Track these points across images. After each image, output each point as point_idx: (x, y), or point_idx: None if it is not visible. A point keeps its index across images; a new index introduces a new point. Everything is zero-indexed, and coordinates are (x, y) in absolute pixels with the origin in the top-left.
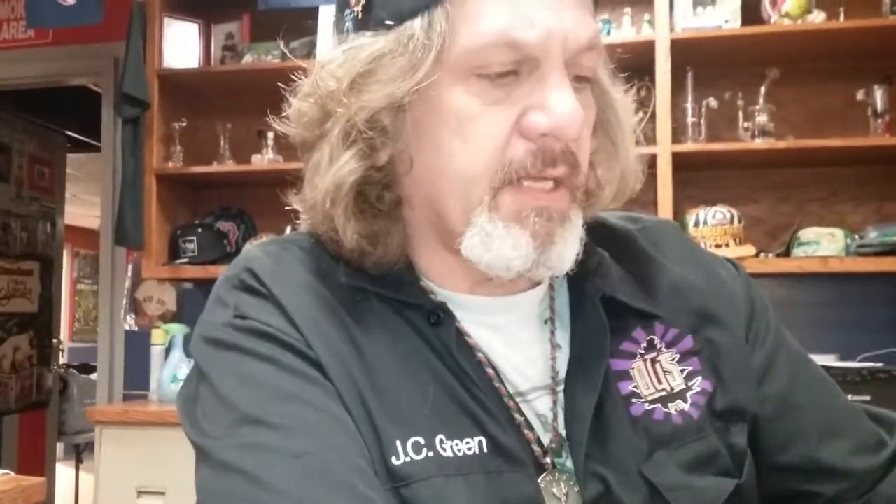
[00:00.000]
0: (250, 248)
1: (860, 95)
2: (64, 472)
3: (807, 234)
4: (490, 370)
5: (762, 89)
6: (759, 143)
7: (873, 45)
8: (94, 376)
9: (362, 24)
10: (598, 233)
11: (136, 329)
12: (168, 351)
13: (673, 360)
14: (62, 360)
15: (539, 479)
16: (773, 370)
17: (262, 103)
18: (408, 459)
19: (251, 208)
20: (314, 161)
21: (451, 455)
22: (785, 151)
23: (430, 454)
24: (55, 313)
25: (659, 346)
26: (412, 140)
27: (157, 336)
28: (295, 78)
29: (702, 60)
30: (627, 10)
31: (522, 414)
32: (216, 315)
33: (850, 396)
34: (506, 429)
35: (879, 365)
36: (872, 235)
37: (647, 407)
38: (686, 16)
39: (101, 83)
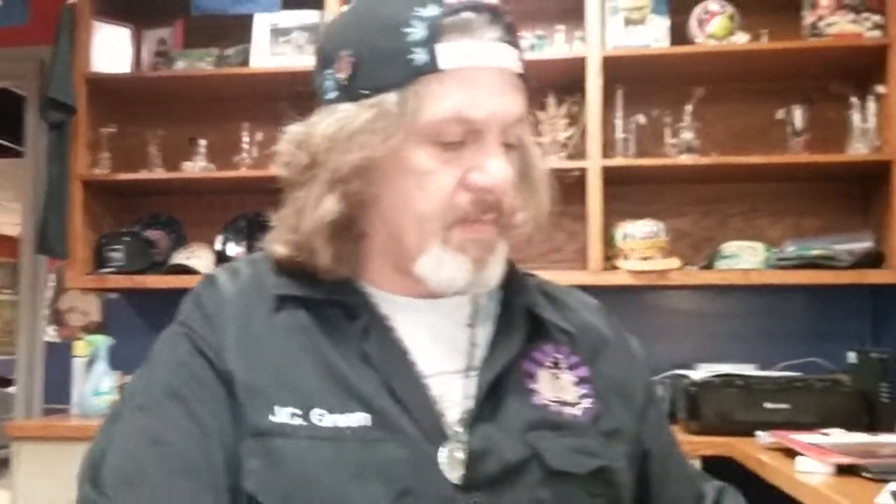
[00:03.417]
0: (225, 265)
1: (780, 114)
2: None
3: (729, 247)
4: (408, 356)
5: (688, 107)
6: (685, 159)
7: (793, 67)
8: (11, 390)
9: (344, 90)
10: (535, 280)
11: (58, 341)
12: (91, 363)
13: (571, 381)
14: None
15: (440, 447)
16: (662, 424)
17: (194, 110)
18: (283, 421)
19: (182, 217)
20: (302, 197)
21: (328, 425)
22: (709, 167)
23: (304, 423)
24: None
25: (562, 366)
26: (381, 186)
27: (80, 348)
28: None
29: (631, 78)
30: (560, 26)
31: (430, 391)
32: (177, 314)
33: (768, 404)
34: (405, 404)
35: (797, 374)
36: (790, 249)
37: (545, 402)
38: (617, 34)
39: (26, 87)
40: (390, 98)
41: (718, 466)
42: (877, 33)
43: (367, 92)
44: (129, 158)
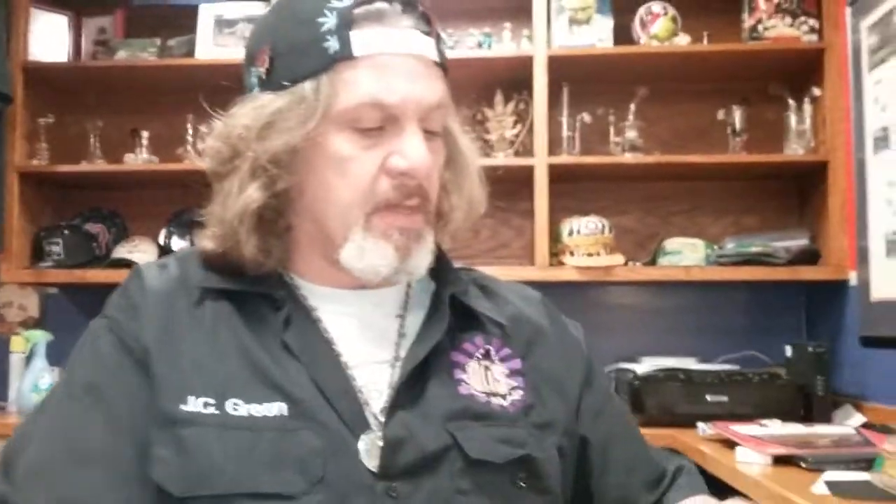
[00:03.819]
0: (155, 260)
1: (721, 115)
2: None
3: (671, 244)
4: (332, 346)
5: (632, 106)
6: (629, 158)
7: (733, 69)
8: None
9: (265, 84)
10: (473, 274)
11: None
12: (29, 359)
13: (503, 373)
14: None
15: (361, 435)
16: (604, 410)
17: (136, 101)
18: (194, 410)
19: (123, 210)
20: (226, 188)
21: (242, 415)
22: (652, 166)
23: (217, 412)
24: None
25: (493, 358)
26: (303, 175)
27: (17, 344)
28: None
29: (577, 77)
30: (507, 24)
31: (355, 380)
32: (104, 306)
33: (709, 396)
34: (325, 394)
35: (736, 367)
36: (730, 246)
37: (472, 392)
38: (562, 33)
39: None
40: (306, 86)
41: None
42: (813, 37)
43: (286, 83)
44: (69, 150)
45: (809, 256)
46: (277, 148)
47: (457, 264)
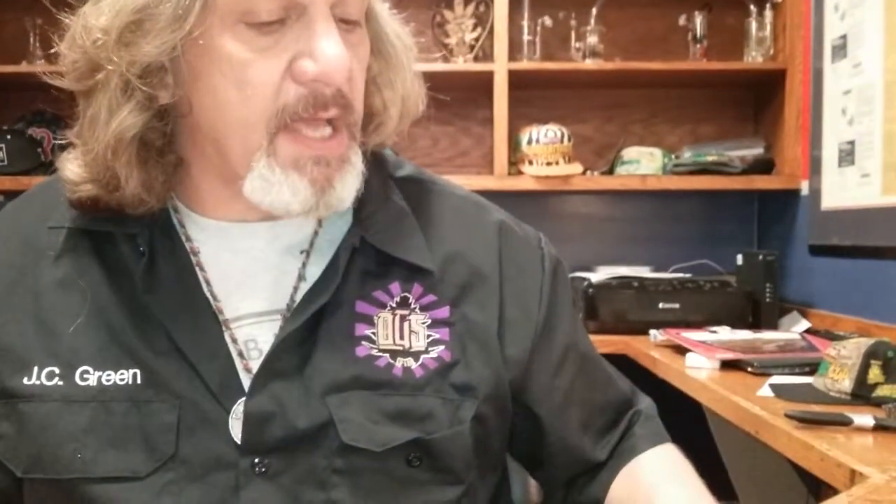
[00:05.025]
0: (20, 196)
1: (682, 21)
2: None
3: (629, 153)
4: (207, 300)
5: (593, 10)
6: (589, 64)
7: None
8: None
9: None
10: (413, 188)
11: None
12: None
13: (423, 323)
14: None
15: (234, 405)
16: (563, 364)
17: None
18: (37, 383)
19: (67, 114)
20: (92, 112)
21: (92, 385)
22: (612, 72)
23: (61, 383)
24: None
25: (413, 306)
26: (190, 85)
27: None
28: None
29: None
30: None
31: (235, 340)
32: None
33: (661, 304)
34: (188, 358)
35: (688, 276)
36: (687, 155)
37: (373, 353)
38: None
39: None
40: None
41: (615, 364)
42: None
43: None
44: (6, 49)
45: (764, 166)
46: (148, 56)
47: (406, 167)
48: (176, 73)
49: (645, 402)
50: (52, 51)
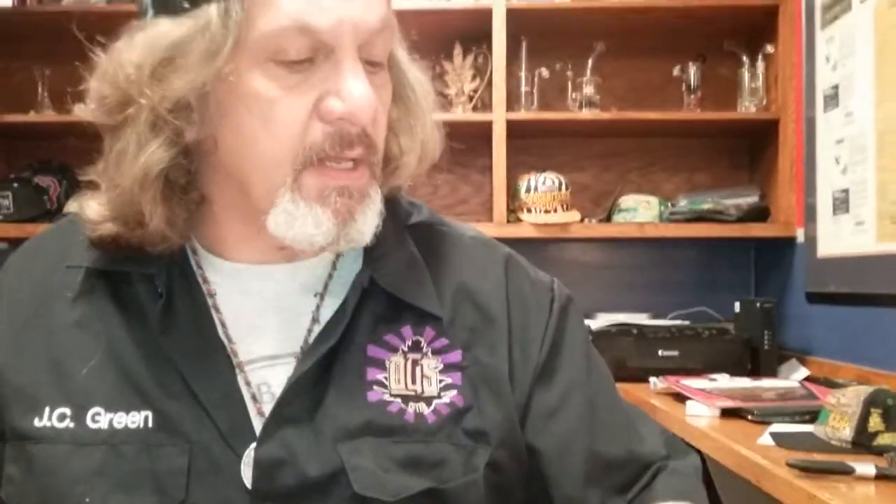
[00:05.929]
0: (31, 239)
1: (676, 72)
2: None
3: (626, 201)
4: (224, 340)
5: (589, 62)
6: (586, 114)
7: (688, 25)
8: None
9: (160, 7)
10: (423, 230)
11: None
12: None
13: (436, 367)
14: None
15: (246, 449)
16: (562, 409)
17: (85, 48)
18: (48, 424)
19: (74, 163)
20: (120, 146)
21: (104, 427)
22: (609, 122)
23: (72, 425)
24: None
25: (425, 350)
26: (216, 122)
27: None
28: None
29: (535, 31)
30: None
31: (249, 383)
32: None
33: (661, 351)
34: (200, 401)
35: (686, 322)
36: (683, 203)
37: (385, 398)
38: None
39: None
40: (212, 9)
41: None
42: None
43: (186, 5)
44: (16, 99)
45: (759, 213)
46: (179, 91)
47: (421, 212)
48: (202, 110)
49: (684, 460)
50: (66, 96)
